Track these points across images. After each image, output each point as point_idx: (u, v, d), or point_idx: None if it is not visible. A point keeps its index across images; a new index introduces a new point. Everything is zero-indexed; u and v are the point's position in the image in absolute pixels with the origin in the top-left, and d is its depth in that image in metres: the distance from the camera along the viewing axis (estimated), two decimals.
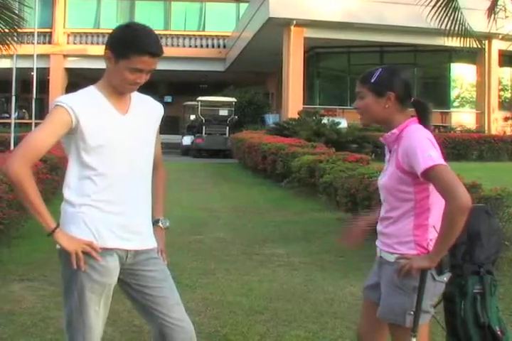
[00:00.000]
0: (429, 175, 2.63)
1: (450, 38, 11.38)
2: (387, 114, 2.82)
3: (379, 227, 2.91)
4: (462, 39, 11.32)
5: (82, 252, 2.63)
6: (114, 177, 2.71)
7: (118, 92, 2.76)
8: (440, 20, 10.83)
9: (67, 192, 2.72)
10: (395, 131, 2.81)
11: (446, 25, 10.87)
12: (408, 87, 2.86)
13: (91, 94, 2.76)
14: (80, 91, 2.80)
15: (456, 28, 10.96)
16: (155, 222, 3.00)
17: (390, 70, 2.88)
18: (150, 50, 2.63)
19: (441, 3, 10.63)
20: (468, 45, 11.52)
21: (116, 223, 2.72)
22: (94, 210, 2.68)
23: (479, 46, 12.03)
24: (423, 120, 2.84)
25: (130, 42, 2.62)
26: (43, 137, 2.62)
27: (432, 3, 10.61)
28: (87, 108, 2.67)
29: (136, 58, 2.62)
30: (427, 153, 2.64)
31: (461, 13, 10.87)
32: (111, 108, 2.75)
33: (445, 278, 2.77)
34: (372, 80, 2.82)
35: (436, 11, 10.71)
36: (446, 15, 10.76)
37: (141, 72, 2.67)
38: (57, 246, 2.73)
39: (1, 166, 2.74)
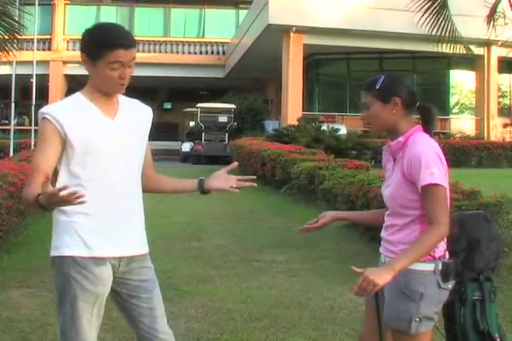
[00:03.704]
0: (425, 191, 2.67)
1: (443, 44, 11.45)
2: (394, 120, 2.83)
3: (383, 234, 2.91)
4: (454, 45, 11.39)
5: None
6: (103, 183, 2.70)
7: (106, 96, 2.75)
8: (431, 26, 10.90)
9: None
10: (400, 138, 2.81)
11: (439, 32, 10.93)
12: (412, 92, 2.87)
13: (77, 101, 2.76)
14: (66, 99, 2.81)
15: (448, 34, 11.02)
16: (200, 181, 2.97)
17: (393, 77, 2.91)
18: (122, 42, 2.64)
19: (433, 10, 10.69)
20: (459, 51, 11.60)
21: (108, 230, 2.71)
22: (85, 218, 2.68)
23: (468, 52, 12.09)
24: (427, 126, 2.86)
25: (101, 41, 2.64)
26: (43, 157, 2.65)
27: (424, 9, 10.68)
28: (72, 115, 2.67)
29: (111, 54, 2.62)
30: (430, 169, 2.65)
31: (452, 20, 10.93)
32: (98, 113, 2.74)
33: (450, 285, 2.77)
34: (377, 87, 2.83)
35: (428, 16, 10.78)
36: (438, 21, 10.82)
37: (122, 67, 2.66)
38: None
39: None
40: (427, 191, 2.66)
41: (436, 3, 10.69)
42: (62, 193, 2.31)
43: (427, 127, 2.86)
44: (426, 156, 2.68)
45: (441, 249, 2.75)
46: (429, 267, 2.72)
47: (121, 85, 2.71)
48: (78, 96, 2.78)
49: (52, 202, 2.37)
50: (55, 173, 2.71)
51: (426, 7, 10.67)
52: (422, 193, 2.69)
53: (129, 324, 2.90)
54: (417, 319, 2.71)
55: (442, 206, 2.67)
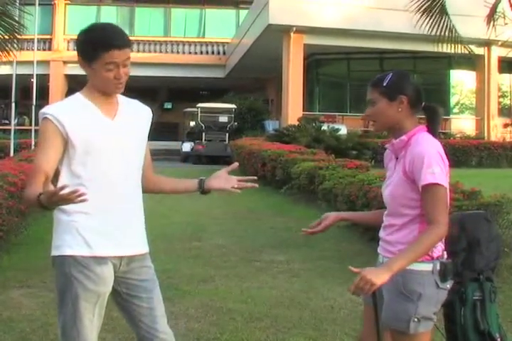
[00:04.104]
0: (425, 190, 2.66)
1: (443, 45, 11.47)
2: (399, 118, 2.81)
3: (381, 234, 2.90)
4: (454, 45, 11.41)
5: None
6: (103, 183, 2.71)
7: (105, 96, 2.76)
8: (431, 26, 10.92)
9: None
10: (403, 137, 2.79)
11: (439, 32, 10.95)
12: (419, 91, 2.86)
13: (77, 101, 2.77)
14: (66, 99, 2.82)
15: (448, 34, 11.04)
16: (201, 181, 2.99)
17: (401, 74, 2.89)
18: (115, 43, 2.64)
19: (433, 10, 10.71)
20: (459, 51, 11.62)
21: (108, 230, 2.71)
22: (86, 217, 2.68)
23: (470, 52, 12.11)
24: (432, 127, 2.84)
25: (94, 43, 2.65)
26: (44, 157, 2.65)
27: (424, 9, 10.70)
28: (73, 115, 2.68)
29: (105, 56, 2.63)
30: (431, 168, 2.64)
31: (452, 20, 10.95)
32: (98, 113, 2.74)
33: (448, 285, 2.76)
34: (385, 84, 2.81)
35: (428, 17, 10.79)
36: (438, 21, 10.84)
37: (117, 67, 2.66)
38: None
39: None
40: (427, 190, 2.66)
41: (435, 4, 10.71)
42: (63, 192, 2.32)
43: (432, 128, 2.84)
44: (429, 156, 2.67)
45: (440, 248, 2.74)
46: (427, 267, 2.71)
47: (118, 85, 2.72)
48: (78, 97, 2.78)
49: (53, 201, 2.37)
50: (56, 174, 2.72)
51: (425, 7, 10.69)
52: (422, 192, 2.68)
53: (129, 324, 2.90)
54: (416, 319, 2.70)
55: (442, 206, 2.66)
